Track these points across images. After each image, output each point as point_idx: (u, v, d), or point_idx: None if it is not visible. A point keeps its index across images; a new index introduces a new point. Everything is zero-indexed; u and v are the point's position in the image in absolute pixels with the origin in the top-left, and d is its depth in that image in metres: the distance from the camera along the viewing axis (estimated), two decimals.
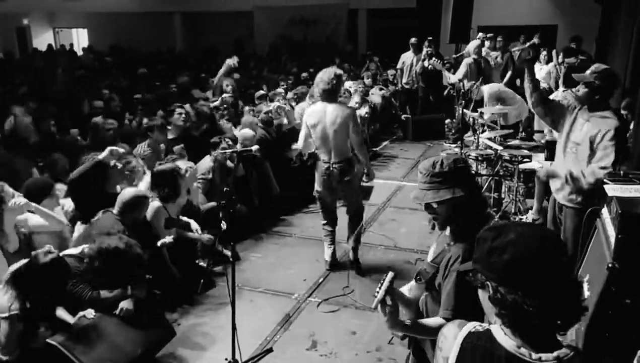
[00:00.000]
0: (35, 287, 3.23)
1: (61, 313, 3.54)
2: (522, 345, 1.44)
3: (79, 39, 20.85)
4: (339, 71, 4.96)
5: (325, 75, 4.83)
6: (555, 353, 1.40)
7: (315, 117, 4.89)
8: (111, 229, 3.86)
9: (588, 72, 3.96)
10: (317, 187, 5.13)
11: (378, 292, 2.20)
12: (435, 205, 2.40)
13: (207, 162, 5.79)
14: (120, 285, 3.75)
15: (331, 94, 4.84)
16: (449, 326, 1.63)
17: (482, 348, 1.49)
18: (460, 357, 1.53)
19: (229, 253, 4.80)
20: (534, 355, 1.41)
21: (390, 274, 2.25)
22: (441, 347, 1.61)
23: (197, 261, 5.11)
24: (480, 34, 10.24)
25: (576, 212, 4.03)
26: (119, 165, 4.64)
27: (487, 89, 7.71)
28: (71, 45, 18.50)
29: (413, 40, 10.51)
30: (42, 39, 19.45)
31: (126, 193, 4.26)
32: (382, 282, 2.23)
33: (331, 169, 4.95)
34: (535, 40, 10.12)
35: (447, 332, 1.61)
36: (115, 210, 4.20)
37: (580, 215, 3.82)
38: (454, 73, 9.34)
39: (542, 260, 1.41)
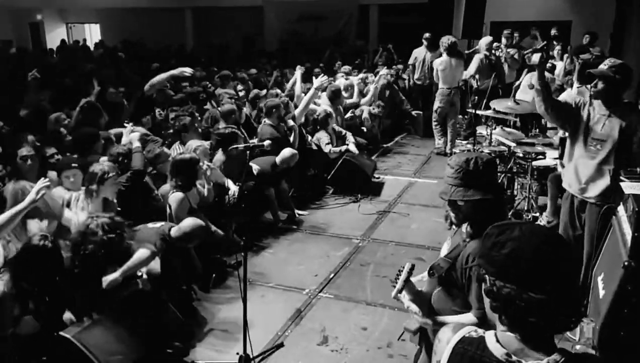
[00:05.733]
0: (27, 270, 3.28)
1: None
2: (514, 353, 1.42)
3: (92, 34, 20.97)
4: (455, 38, 9.00)
5: (447, 40, 8.81)
6: (545, 360, 1.38)
7: (443, 64, 8.88)
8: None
9: (605, 67, 3.87)
10: (440, 104, 9.09)
11: (397, 282, 2.19)
12: (461, 203, 2.38)
13: (219, 156, 5.83)
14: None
15: (452, 49, 8.80)
16: (444, 330, 1.62)
17: (472, 354, 1.49)
18: (451, 362, 1.52)
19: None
20: None
21: (408, 265, 2.23)
22: (436, 351, 1.61)
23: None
24: (506, 32, 10.16)
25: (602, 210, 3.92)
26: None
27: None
28: (84, 40, 18.61)
29: (427, 35, 10.43)
30: (55, 34, 19.56)
31: None
32: (400, 272, 2.22)
33: (452, 92, 8.96)
34: (542, 42, 10.09)
35: (442, 335, 1.61)
36: None
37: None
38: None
39: (540, 257, 1.40)
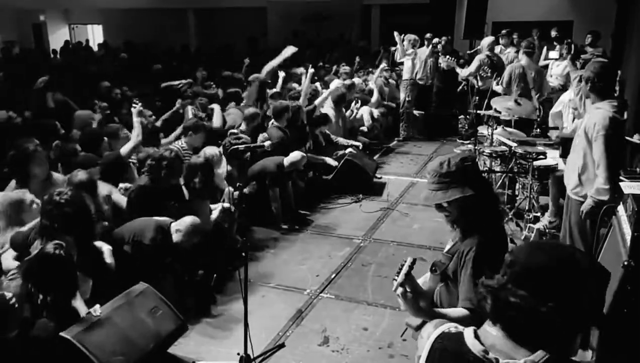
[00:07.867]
0: (40, 277, 3.29)
1: (77, 304, 3.56)
2: (491, 349, 1.40)
3: (94, 35, 21.01)
4: (413, 36, 9.85)
5: (414, 37, 9.70)
6: (522, 360, 1.35)
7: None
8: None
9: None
10: (409, 98, 9.93)
11: (398, 276, 2.19)
12: (445, 204, 2.41)
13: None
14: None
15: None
16: (427, 326, 1.64)
17: (451, 349, 1.50)
18: (429, 357, 1.53)
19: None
20: (502, 361, 1.37)
21: (410, 259, 2.23)
22: (418, 346, 1.63)
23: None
24: (503, 32, 10.19)
25: (580, 204, 4.18)
26: None
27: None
28: (87, 41, 18.65)
29: (428, 35, 10.44)
30: (58, 35, 19.63)
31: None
32: (401, 265, 2.22)
33: (414, 83, 9.91)
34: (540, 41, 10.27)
35: (424, 331, 1.64)
36: None
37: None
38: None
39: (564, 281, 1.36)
